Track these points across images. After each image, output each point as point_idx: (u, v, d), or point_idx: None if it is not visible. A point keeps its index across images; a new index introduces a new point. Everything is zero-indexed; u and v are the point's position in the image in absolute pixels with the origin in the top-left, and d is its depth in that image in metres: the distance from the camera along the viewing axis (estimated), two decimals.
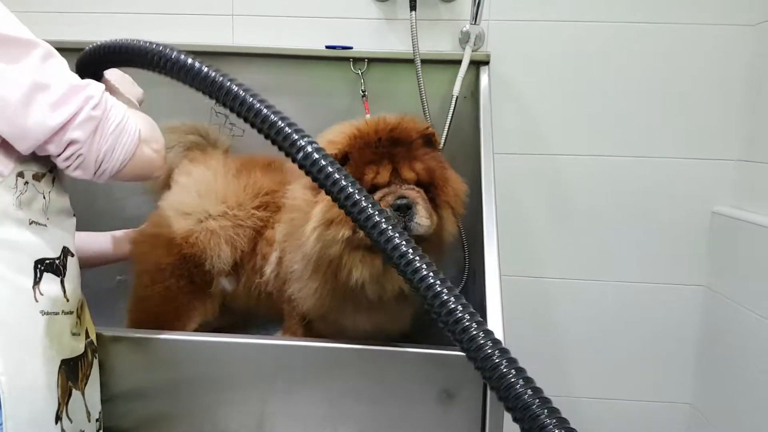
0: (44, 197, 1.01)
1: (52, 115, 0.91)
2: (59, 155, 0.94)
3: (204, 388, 1.19)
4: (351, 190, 0.96)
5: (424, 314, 1.55)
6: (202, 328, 1.57)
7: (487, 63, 1.77)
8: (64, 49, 1.79)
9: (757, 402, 1.56)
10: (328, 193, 0.99)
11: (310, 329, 1.49)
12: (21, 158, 0.96)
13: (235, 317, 1.67)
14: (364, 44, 1.80)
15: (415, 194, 1.29)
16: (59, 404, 0.99)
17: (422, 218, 1.26)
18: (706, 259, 1.81)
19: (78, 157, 0.94)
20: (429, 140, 1.40)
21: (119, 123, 0.97)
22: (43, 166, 1.01)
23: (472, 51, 1.73)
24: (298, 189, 1.38)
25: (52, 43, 0.95)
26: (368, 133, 1.31)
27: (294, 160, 0.99)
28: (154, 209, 1.61)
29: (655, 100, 1.77)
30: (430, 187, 1.33)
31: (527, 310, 1.91)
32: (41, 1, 1.87)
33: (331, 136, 1.35)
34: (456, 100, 1.69)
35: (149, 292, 1.54)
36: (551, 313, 1.90)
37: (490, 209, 1.32)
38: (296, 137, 0.97)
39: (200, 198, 1.50)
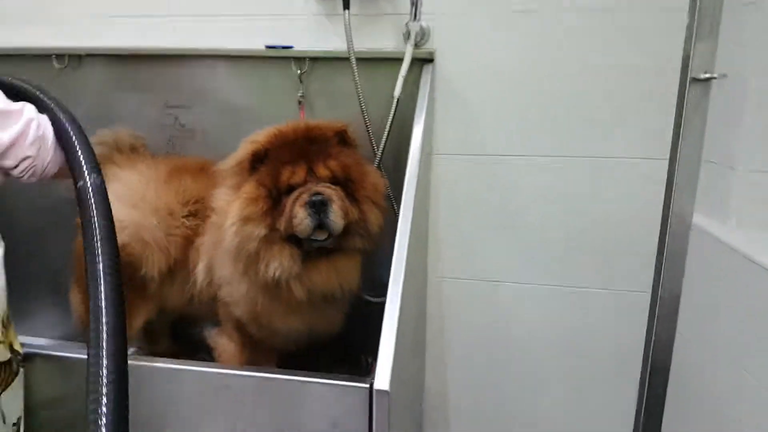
0: None
1: (2, 134, 1.10)
2: (15, 167, 1.14)
3: None
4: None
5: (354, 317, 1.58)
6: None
7: (431, 61, 1.66)
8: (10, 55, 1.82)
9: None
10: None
11: (244, 333, 1.53)
12: None
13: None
14: (306, 43, 1.71)
15: (330, 191, 1.30)
16: None
17: (337, 216, 1.28)
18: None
19: (32, 168, 1.16)
20: (343, 138, 1.40)
21: (54, 137, 1.17)
22: None
23: (414, 48, 1.61)
24: (222, 191, 1.41)
25: None
26: (287, 134, 1.34)
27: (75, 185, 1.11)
28: None
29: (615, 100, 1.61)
30: (348, 183, 1.35)
31: (474, 314, 1.82)
32: None
33: (253, 137, 1.38)
34: (398, 101, 1.62)
35: None
36: (498, 318, 1.81)
37: (407, 212, 1.28)
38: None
39: (133, 209, 1.49)
